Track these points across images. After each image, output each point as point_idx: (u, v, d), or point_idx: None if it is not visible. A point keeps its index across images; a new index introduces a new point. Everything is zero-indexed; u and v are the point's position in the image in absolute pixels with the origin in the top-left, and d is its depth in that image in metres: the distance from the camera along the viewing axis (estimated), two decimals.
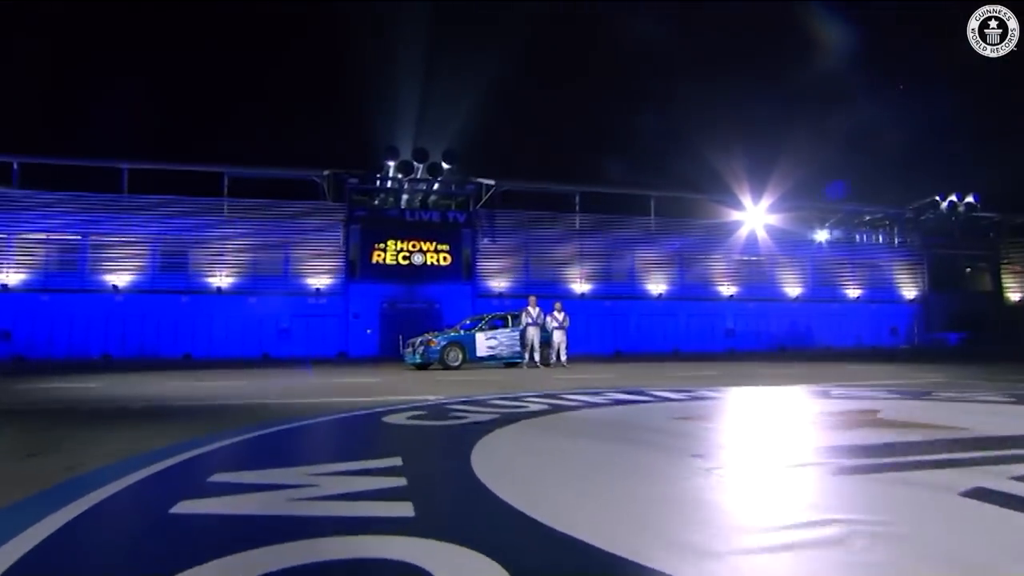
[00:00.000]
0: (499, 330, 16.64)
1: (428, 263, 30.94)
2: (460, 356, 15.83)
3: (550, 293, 31.73)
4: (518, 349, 16.49)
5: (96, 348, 27.21)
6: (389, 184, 32.52)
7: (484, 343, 16.29)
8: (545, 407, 5.58)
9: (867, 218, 39.65)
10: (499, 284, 32.32)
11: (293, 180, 32.07)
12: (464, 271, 31.75)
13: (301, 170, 31.83)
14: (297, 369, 16.87)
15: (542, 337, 16.48)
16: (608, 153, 44.98)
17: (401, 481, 2.63)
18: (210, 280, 29.36)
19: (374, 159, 32.32)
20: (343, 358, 28.80)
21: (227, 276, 29.47)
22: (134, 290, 28.50)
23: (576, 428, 4.41)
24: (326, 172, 31.50)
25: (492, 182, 32.91)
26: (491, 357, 16.38)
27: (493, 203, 33.15)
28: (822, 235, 37.68)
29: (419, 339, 16.16)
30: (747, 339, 34.81)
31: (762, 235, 36.18)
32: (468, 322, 18.04)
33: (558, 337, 16.60)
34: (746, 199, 35.78)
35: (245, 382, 10.63)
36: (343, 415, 5.19)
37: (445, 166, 31.55)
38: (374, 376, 12.56)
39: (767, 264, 36.39)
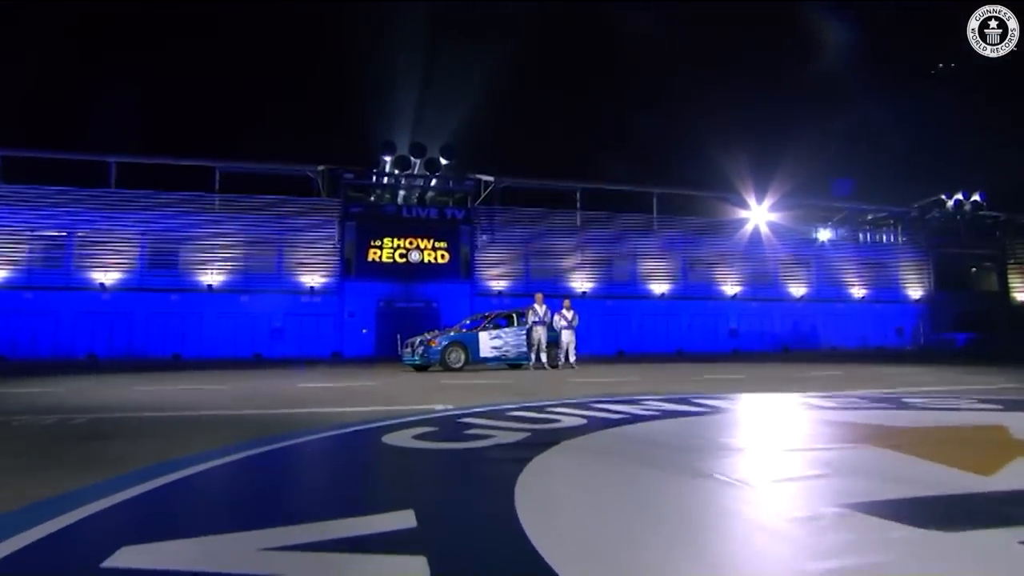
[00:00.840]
0: (504, 329, 15.71)
1: (425, 261, 30.15)
2: (462, 357, 14.91)
3: (551, 292, 30.65)
4: (524, 349, 15.60)
5: (82, 348, 26.29)
6: (386, 180, 31.66)
7: (488, 343, 15.38)
8: (581, 421, 4.75)
9: (870, 217, 38.97)
10: (498, 283, 31.54)
11: (287, 175, 31.18)
12: (462, 269, 30.97)
13: (295, 165, 30.97)
14: (288, 371, 16.03)
15: (549, 337, 15.60)
16: (610, 149, 44.15)
17: (418, 565, 1.71)
18: (201, 278, 28.44)
19: (370, 154, 31.52)
20: (338, 359, 28.03)
21: (218, 274, 28.58)
22: (122, 288, 27.55)
23: (642, 452, 3.53)
24: (321, 167, 30.72)
25: (491, 178, 32.24)
26: (496, 358, 15.46)
27: (492, 200, 32.47)
28: (826, 234, 36.95)
29: (418, 339, 15.28)
30: (751, 339, 34.18)
31: (766, 233, 35.48)
32: (469, 321, 17.22)
33: (567, 337, 15.64)
34: (750, 197, 35.14)
35: (228, 386, 9.76)
36: (332, 433, 4.30)
37: (443, 161, 30.85)
38: (371, 379, 11.73)
39: (771, 263, 35.62)
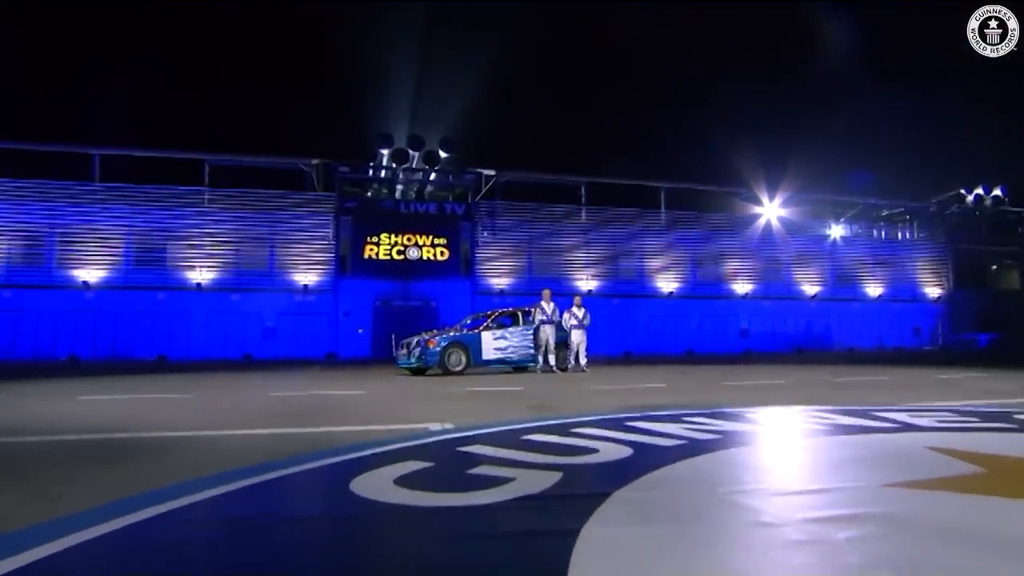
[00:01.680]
0: (508, 329, 14.39)
1: (424, 258, 29.01)
2: (463, 359, 13.59)
3: (553, 290, 29.66)
4: (530, 351, 14.31)
5: (63, 349, 25.03)
6: (383, 174, 30.55)
7: (491, 344, 14.04)
8: (626, 451, 3.51)
9: (885, 213, 37.72)
10: (500, 281, 30.31)
11: (279, 169, 29.77)
12: (463, 267, 29.81)
13: (288, 158, 29.63)
14: (274, 374, 14.77)
15: (558, 337, 14.33)
16: (616, 143, 42.76)
17: None
18: (189, 276, 27.20)
19: (367, 147, 30.60)
20: (332, 360, 26.80)
21: (207, 271, 27.35)
22: (105, 286, 26.28)
23: (747, 515, 2.27)
24: (315, 160, 29.42)
25: (493, 172, 30.98)
26: (499, 360, 14.16)
27: (494, 195, 31.23)
28: (840, 231, 35.68)
29: (415, 339, 13.97)
30: (763, 340, 32.98)
31: (778, 230, 34.27)
32: (470, 320, 15.93)
33: (577, 337, 14.38)
34: (761, 192, 33.92)
35: (193, 395, 8.49)
36: (275, 476, 2.97)
37: (443, 154, 29.81)
38: (360, 385, 10.43)
39: (783, 261, 34.43)
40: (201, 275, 27.18)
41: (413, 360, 13.56)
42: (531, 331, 14.25)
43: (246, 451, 3.80)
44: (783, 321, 33.73)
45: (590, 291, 30.65)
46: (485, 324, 14.53)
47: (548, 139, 38.71)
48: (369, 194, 30.82)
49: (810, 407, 5.68)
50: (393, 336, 16.46)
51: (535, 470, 2.96)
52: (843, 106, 38.52)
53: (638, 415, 5.07)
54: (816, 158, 32.95)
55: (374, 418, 5.62)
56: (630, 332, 30.96)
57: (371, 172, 30.53)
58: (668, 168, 34.15)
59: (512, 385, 9.81)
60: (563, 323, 14.39)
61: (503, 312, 15.07)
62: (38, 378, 13.30)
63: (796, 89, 40.71)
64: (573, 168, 32.94)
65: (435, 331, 15.07)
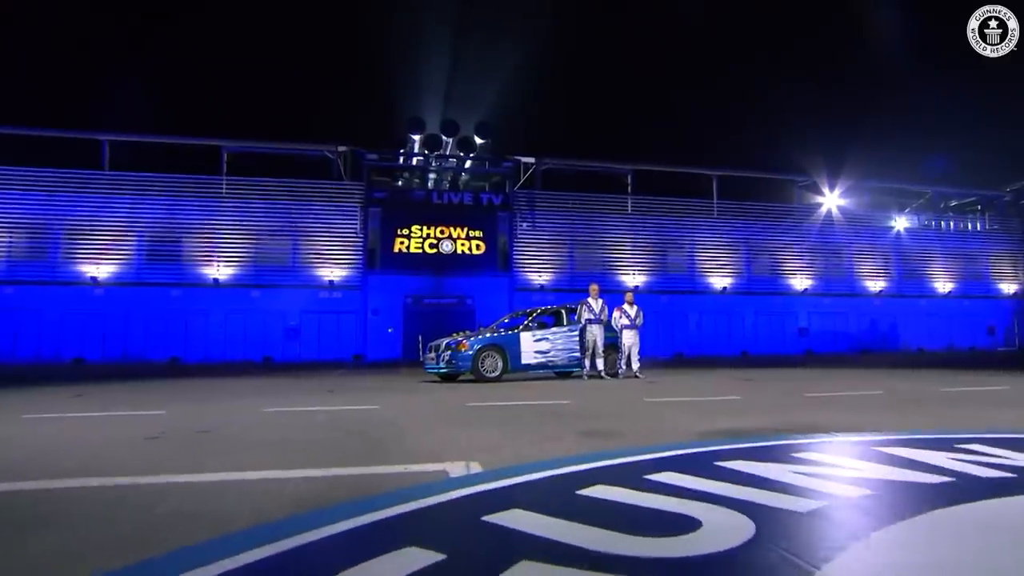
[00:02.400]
0: (550, 329, 12.48)
1: (458, 252, 27.22)
2: (500, 364, 11.66)
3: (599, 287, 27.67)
4: (575, 354, 12.40)
5: (69, 351, 23.15)
6: (414, 161, 28.85)
7: (531, 346, 12.11)
8: (740, 522, 2.15)
9: (955, 202, 34.95)
10: (540, 276, 28.32)
11: (303, 156, 27.98)
12: (500, 261, 27.94)
13: (312, 145, 27.85)
14: (286, 380, 12.70)
15: (607, 338, 12.45)
16: (665, 127, 40.12)
17: None
18: (205, 271, 25.28)
19: (397, 133, 29.00)
20: (359, 362, 24.76)
21: (225, 267, 25.40)
22: (116, 282, 24.35)
23: None
24: (341, 148, 27.70)
25: (532, 159, 29.23)
26: (541, 365, 12.26)
27: (533, 184, 29.39)
28: (906, 222, 33.03)
29: (445, 341, 11.97)
30: (823, 340, 30.90)
31: (840, 221, 32.03)
32: (508, 319, 13.98)
33: (629, 339, 12.52)
34: (821, 180, 31.91)
35: (163, 411, 6.48)
36: None
37: (478, 141, 28.37)
38: (378, 394, 8.54)
39: (845, 255, 32.13)
40: (218, 271, 25.23)
41: (443, 365, 11.72)
42: (576, 331, 12.42)
43: (165, 521, 2.35)
44: (845, 320, 31.58)
45: (637, 287, 28.45)
46: (524, 324, 12.63)
47: (591, 124, 36.19)
48: (400, 183, 29.03)
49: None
50: (420, 338, 14.41)
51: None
52: (909, 88, 35.72)
53: (730, 446, 3.70)
54: (880, 144, 30.72)
55: (376, 452, 3.90)
56: (680, 331, 28.75)
57: (401, 160, 28.84)
58: (721, 154, 31.68)
59: (556, 397, 7.94)
60: (612, 322, 12.64)
61: (545, 310, 13.20)
62: (19, 385, 11.15)
63: (859, 71, 37.86)
64: (618, 155, 31.05)
65: (467, 332, 13.09)
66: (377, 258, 26.66)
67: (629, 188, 30.00)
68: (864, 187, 32.25)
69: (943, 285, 32.93)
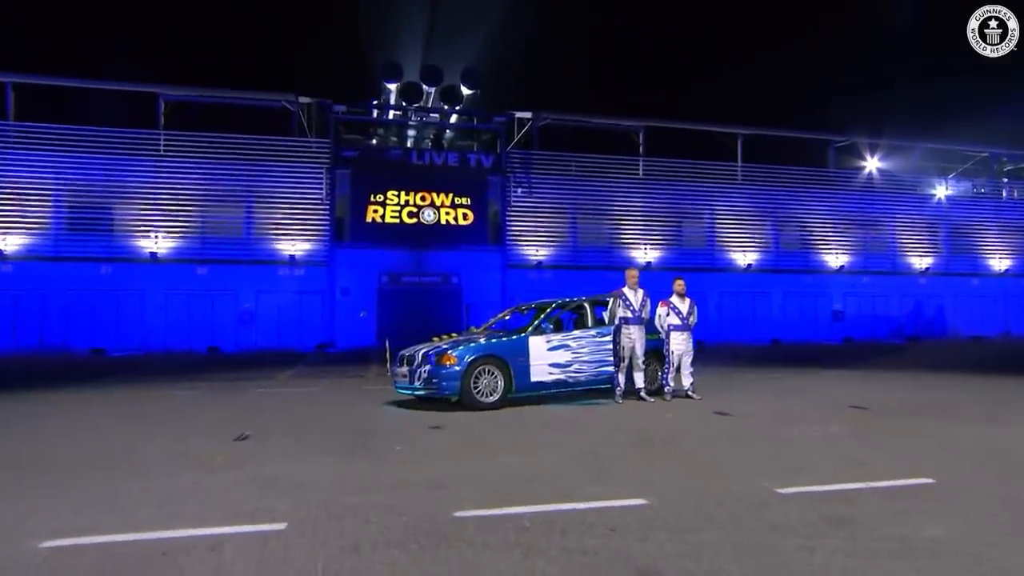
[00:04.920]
0: (572, 332, 8.91)
1: (442, 222, 24.68)
2: (501, 383, 8.18)
3: (603, 263, 25.12)
4: (608, 368, 8.78)
5: None
6: (390, 115, 26.73)
7: (546, 356, 8.54)
8: None
9: (1010, 167, 31.62)
10: (537, 252, 25.46)
11: (258, 107, 24.80)
12: (491, 233, 25.41)
13: (269, 94, 24.57)
14: (209, 382, 9.00)
15: (649, 343, 8.91)
16: (682, 80, 36.20)
17: None
18: (141, 244, 22.04)
19: (370, 81, 26.64)
20: (324, 351, 21.42)
21: (165, 238, 22.16)
22: (28, 256, 21.03)
23: None
24: (304, 98, 24.89)
25: (528, 114, 26.48)
26: (558, 383, 8.66)
27: (529, 143, 26.51)
28: (955, 189, 29.69)
29: (422, 351, 8.39)
30: (861, 325, 28.08)
31: (880, 187, 29.08)
32: (510, 315, 10.32)
33: (680, 344, 8.97)
34: (860, 141, 28.86)
35: None
36: None
37: (465, 91, 26.11)
38: (295, 464, 4.90)
39: (887, 227, 29.11)
40: (157, 243, 22.03)
41: (419, 385, 8.23)
42: (609, 335, 8.87)
43: None
44: (885, 301, 28.79)
45: (649, 263, 25.30)
46: (534, 323, 8.93)
47: (597, 74, 32.27)
48: (373, 141, 26.57)
49: None
50: (386, 344, 10.63)
51: None
52: (956, 34, 31.85)
53: None
54: (929, 98, 26.91)
55: None
56: (699, 314, 25.17)
57: (375, 113, 26.69)
58: (746, 111, 28.09)
59: (589, 452, 4.63)
60: (656, 321, 9.17)
61: (563, 304, 9.49)
62: None
63: (897, 16, 33.83)
64: (628, 110, 28.41)
65: (453, 335, 9.32)
66: (347, 229, 24.12)
67: (641, 149, 27.34)
68: (909, 148, 29.19)
69: (999, 262, 29.99)
